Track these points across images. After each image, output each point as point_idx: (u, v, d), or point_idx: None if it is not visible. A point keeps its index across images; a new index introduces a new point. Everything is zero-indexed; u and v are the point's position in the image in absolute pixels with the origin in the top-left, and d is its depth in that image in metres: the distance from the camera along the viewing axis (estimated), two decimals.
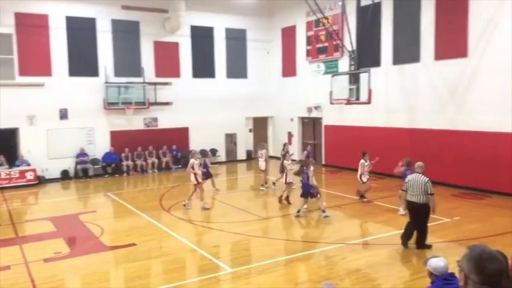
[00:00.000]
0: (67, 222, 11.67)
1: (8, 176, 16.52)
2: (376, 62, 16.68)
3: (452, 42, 14.19)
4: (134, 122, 19.62)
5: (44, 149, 17.76)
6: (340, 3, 17.06)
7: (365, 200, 12.96)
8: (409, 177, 8.80)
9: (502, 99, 12.82)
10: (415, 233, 8.73)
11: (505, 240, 8.82)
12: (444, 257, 4.22)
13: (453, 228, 10.03)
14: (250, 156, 23.08)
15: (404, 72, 16.05)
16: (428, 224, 8.70)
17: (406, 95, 15.99)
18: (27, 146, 17.42)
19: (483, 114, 13.37)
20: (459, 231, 9.78)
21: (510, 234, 9.39)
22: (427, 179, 8.46)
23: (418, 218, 8.61)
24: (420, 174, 8.59)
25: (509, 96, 12.67)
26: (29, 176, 16.96)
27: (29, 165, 17.21)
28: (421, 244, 8.65)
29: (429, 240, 8.93)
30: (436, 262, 4.16)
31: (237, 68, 22.14)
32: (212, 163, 17.07)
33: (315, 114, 20.49)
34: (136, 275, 7.83)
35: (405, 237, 8.79)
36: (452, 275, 3.94)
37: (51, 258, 8.68)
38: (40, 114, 17.60)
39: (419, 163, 8.84)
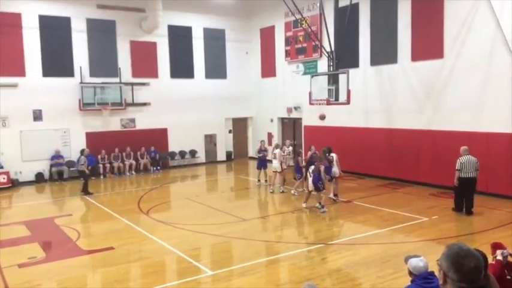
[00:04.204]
0: (42, 226, 11.38)
1: None
2: (354, 63, 16.83)
3: (429, 44, 14.42)
4: (111, 123, 19.28)
5: (17, 151, 17.28)
6: (318, 4, 17.14)
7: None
8: (463, 159, 10.80)
9: (476, 99, 13.12)
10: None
11: (481, 239, 9.00)
12: (423, 256, 4.25)
13: (431, 227, 10.17)
14: (230, 157, 23.00)
15: (382, 73, 16.24)
16: (407, 224, 8.84)
17: (384, 96, 16.18)
18: (0, 148, 16.93)
19: (458, 114, 13.63)
20: (437, 229, 9.92)
21: (486, 232, 9.58)
22: (476, 158, 10.81)
23: (471, 189, 10.90)
24: (470, 155, 10.83)
25: (483, 96, 12.97)
26: (2, 179, 16.48)
27: (1, 167, 16.73)
28: (470, 210, 10.92)
29: (407, 239, 9.10)
30: (416, 262, 4.17)
31: (216, 69, 22.00)
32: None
33: (294, 114, 20.54)
34: (115, 279, 7.67)
35: (460, 205, 11.10)
36: (432, 273, 3.96)
37: (26, 263, 8.44)
38: (13, 116, 17.11)
39: (465, 147, 11.01)
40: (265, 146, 16.29)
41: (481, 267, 2.25)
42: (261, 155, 16.06)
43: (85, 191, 15.04)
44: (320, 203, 11.88)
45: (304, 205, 12.21)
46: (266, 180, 15.86)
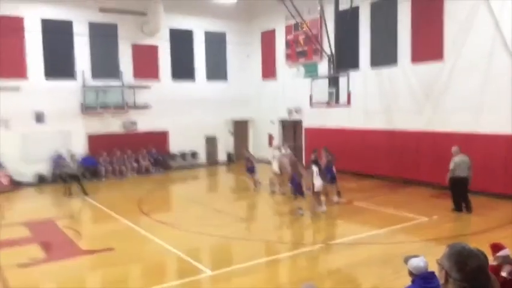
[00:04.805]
0: (43, 227, 11.40)
1: None
2: (354, 65, 16.85)
3: (429, 45, 14.45)
4: (112, 125, 19.35)
5: (19, 153, 17.31)
6: (319, 7, 17.20)
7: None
8: (457, 159, 10.98)
9: (476, 100, 13.13)
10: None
11: (481, 239, 8.98)
12: (423, 256, 4.26)
13: (431, 227, 10.16)
14: (231, 159, 23.03)
15: (382, 75, 16.27)
16: (407, 224, 8.86)
17: (384, 98, 16.20)
18: (2, 150, 16.97)
19: (458, 114, 13.63)
20: (437, 229, 9.91)
21: (486, 232, 9.56)
22: (468, 157, 11.03)
23: (465, 189, 11.12)
24: (463, 154, 11.01)
25: (483, 96, 12.98)
26: (4, 180, 16.51)
27: (3, 169, 16.74)
28: (470, 208, 11.09)
29: (408, 239, 9.11)
30: (417, 262, 4.16)
31: (217, 71, 22.08)
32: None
33: (295, 117, 20.56)
34: (115, 279, 7.70)
35: (459, 205, 11.19)
36: (432, 273, 3.96)
37: (26, 264, 8.45)
38: (15, 118, 17.17)
39: (456, 147, 11.22)
40: (248, 153, 16.01)
41: (484, 267, 2.25)
42: (247, 162, 15.83)
43: (64, 192, 15.14)
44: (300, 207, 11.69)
45: (320, 209, 11.76)
46: (260, 183, 15.64)
